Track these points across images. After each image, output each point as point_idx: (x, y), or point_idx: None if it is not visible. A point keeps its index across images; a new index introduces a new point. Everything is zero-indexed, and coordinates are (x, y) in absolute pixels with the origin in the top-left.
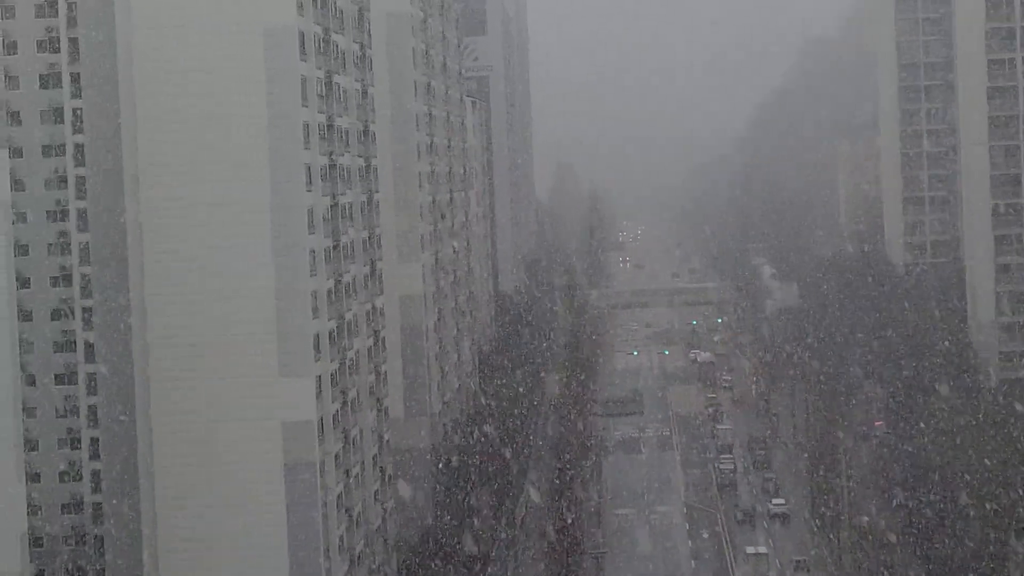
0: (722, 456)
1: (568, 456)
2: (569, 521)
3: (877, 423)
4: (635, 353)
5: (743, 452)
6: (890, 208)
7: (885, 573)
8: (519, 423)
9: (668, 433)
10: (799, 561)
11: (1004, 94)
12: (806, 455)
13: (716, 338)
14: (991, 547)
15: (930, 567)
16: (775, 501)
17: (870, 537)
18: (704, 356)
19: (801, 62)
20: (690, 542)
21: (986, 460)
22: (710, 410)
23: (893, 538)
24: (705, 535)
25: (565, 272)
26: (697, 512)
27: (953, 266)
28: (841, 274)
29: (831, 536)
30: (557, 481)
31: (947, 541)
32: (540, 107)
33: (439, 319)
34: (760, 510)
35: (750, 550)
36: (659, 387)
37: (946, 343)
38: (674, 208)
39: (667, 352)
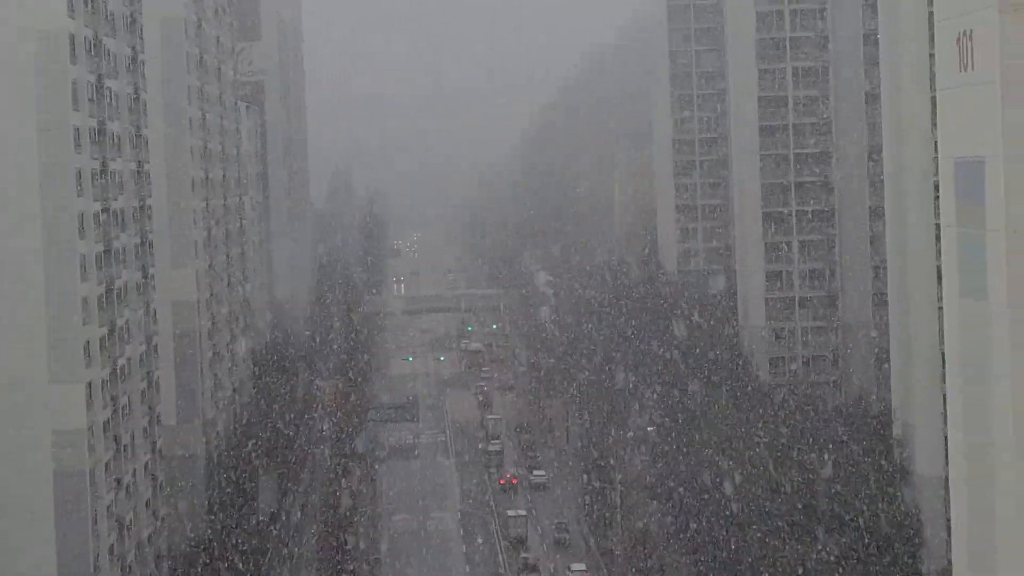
0: (492, 440)
1: (343, 462)
2: (344, 527)
3: (649, 427)
4: (410, 359)
5: (511, 436)
6: (663, 216)
7: (624, 524)
8: (294, 430)
9: (444, 439)
10: (559, 523)
11: (774, 104)
12: (571, 440)
13: (489, 343)
14: (724, 523)
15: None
16: (536, 472)
17: (622, 506)
18: (474, 345)
19: (580, 72)
20: (462, 530)
21: (748, 456)
22: (480, 398)
23: (644, 508)
24: (478, 530)
25: (342, 278)
26: (471, 517)
27: (726, 273)
28: (615, 280)
29: (584, 501)
30: (332, 488)
31: (688, 510)
32: (318, 113)
33: (213, 325)
34: (520, 478)
35: (511, 513)
36: (435, 393)
37: (718, 348)
38: (452, 214)
39: (443, 359)
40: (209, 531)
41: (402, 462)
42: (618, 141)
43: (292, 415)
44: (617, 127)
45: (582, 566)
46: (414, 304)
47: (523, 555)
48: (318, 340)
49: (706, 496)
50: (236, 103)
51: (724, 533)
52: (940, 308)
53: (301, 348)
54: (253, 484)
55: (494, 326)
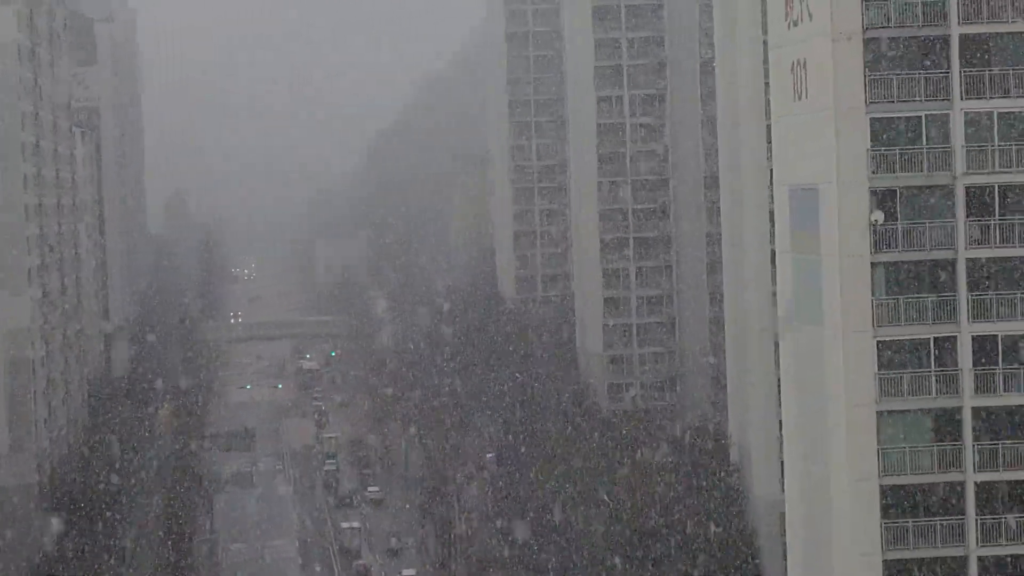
0: (327, 460)
1: (180, 492)
2: (180, 558)
3: (488, 453)
4: (248, 387)
5: (348, 455)
6: (502, 242)
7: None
8: (130, 458)
9: (281, 467)
10: (392, 534)
11: (613, 131)
12: (408, 461)
13: (327, 365)
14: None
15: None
16: (370, 489)
17: (454, 522)
18: (310, 364)
19: (418, 97)
20: (300, 558)
21: (582, 479)
22: (316, 416)
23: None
24: (315, 552)
25: (180, 305)
26: (309, 540)
27: (564, 299)
28: (454, 307)
29: (418, 517)
30: (168, 517)
31: (523, 530)
32: (155, 138)
33: (47, 354)
34: (358, 497)
35: (345, 525)
36: (272, 421)
37: (557, 375)
38: (292, 240)
39: (280, 386)
40: (40, 562)
41: (240, 490)
42: (457, 167)
43: (128, 444)
44: (456, 153)
45: (412, 571)
46: (252, 331)
47: (356, 562)
48: (154, 368)
49: (540, 516)
50: (71, 128)
51: (554, 551)
52: (776, 333)
53: (137, 376)
54: (86, 514)
55: (332, 352)
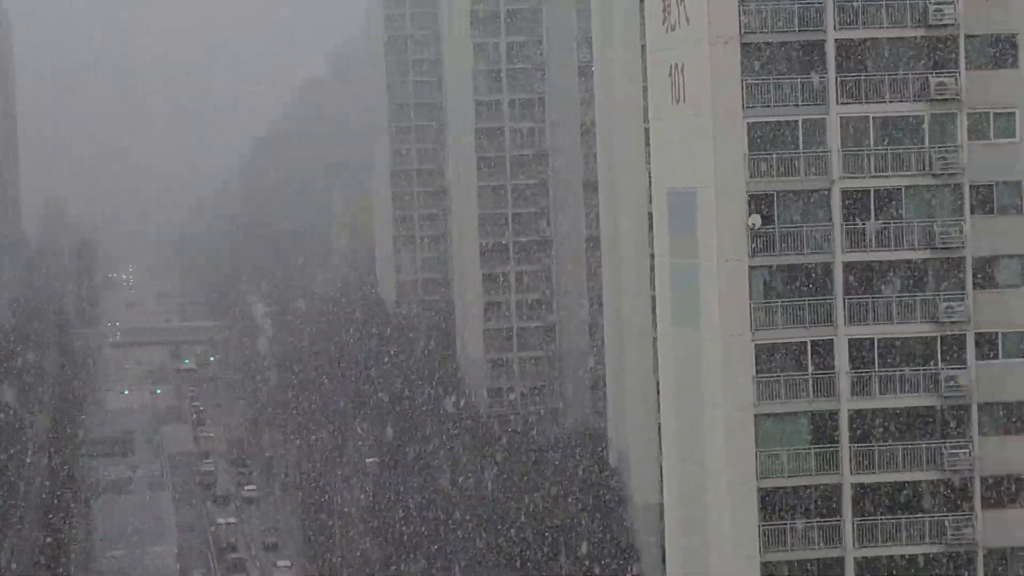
0: (205, 461)
1: (57, 499)
2: (58, 565)
3: (369, 459)
4: (126, 392)
5: (225, 456)
6: (382, 247)
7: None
8: (4, 466)
9: (160, 471)
10: (268, 529)
11: (491, 135)
12: (288, 463)
13: (208, 372)
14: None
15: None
16: (247, 488)
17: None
18: (188, 368)
19: (300, 101)
20: (178, 564)
21: (462, 483)
22: (195, 419)
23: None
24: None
25: (55, 312)
26: (187, 539)
27: (444, 304)
28: (334, 312)
29: (294, 514)
30: (45, 525)
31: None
32: (29, 143)
33: None
34: (234, 494)
35: (221, 521)
36: (151, 425)
37: (437, 380)
38: (171, 245)
39: (159, 391)
40: None
41: (118, 496)
42: (337, 172)
43: (2, 452)
44: (337, 157)
45: (287, 562)
46: (130, 337)
47: (231, 556)
48: (31, 375)
49: (416, 518)
50: None
51: (427, 550)
52: (655, 337)
53: (12, 384)
54: None
55: (211, 358)
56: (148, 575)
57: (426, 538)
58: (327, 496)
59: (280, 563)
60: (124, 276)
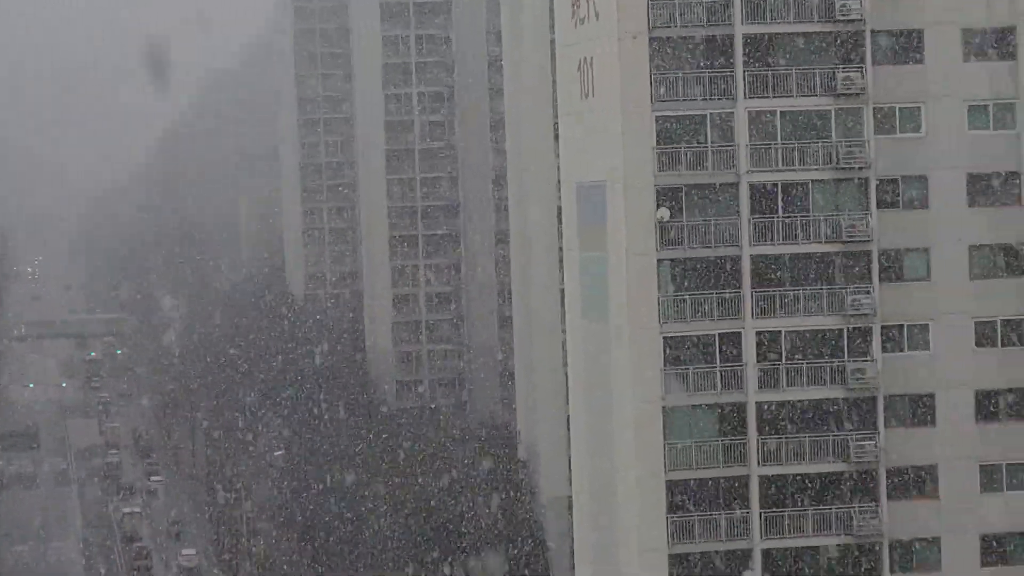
0: (110, 451)
1: None
2: None
3: (277, 451)
4: (31, 386)
5: (131, 446)
6: (290, 240)
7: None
8: None
9: (65, 464)
10: (173, 519)
11: (400, 128)
12: (195, 455)
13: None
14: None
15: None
16: (153, 478)
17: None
18: (93, 360)
19: (205, 93)
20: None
21: (369, 476)
22: (100, 410)
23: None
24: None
25: None
26: (93, 533)
27: (353, 297)
28: (241, 305)
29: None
30: None
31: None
32: None
33: None
34: (140, 486)
35: (126, 510)
36: (57, 418)
37: (346, 372)
38: (77, 238)
39: (64, 384)
40: None
41: (24, 491)
42: (244, 165)
43: None
44: (244, 150)
45: (192, 550)
46: (35, 330)
47: (136, 545)
48: None
49: (321, 508)
50: None
51: (332, 539)
52: (564, 331)
53: None
54: None
55: (118, 351)
56: (53, 569)
57: (330, 530)
58: (232, 487)
59: (184, 551)
60: (29, 269)
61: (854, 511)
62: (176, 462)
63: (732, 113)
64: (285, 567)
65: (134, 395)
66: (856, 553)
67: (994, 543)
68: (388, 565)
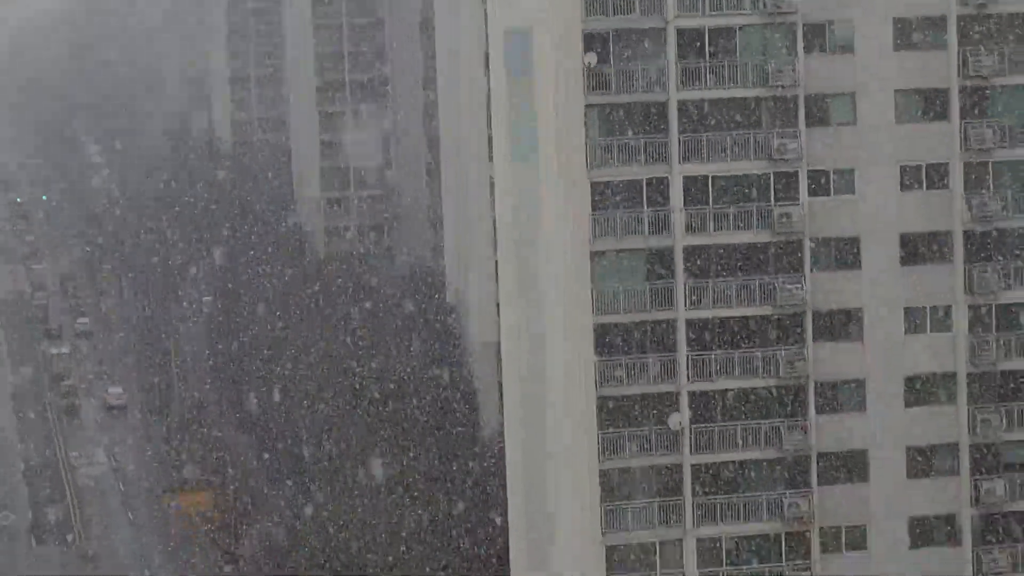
0: (36, 294)
1: None
2: None
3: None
4: None
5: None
6: (216, 86)
7: None
8: None
9: None
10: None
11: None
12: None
13: None
14: None
15: None
16: (80, 320)
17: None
18: (20, 201)
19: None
20: None
21: (291, 322)
22: (26, 251)
23: None
24: None
25: None
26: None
27: (281, 143)
28: (170, 150)
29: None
30: None
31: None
32: None
33: None
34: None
35: (53, 351)
36: None
37: (271, 218)
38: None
39: None
40: None
41: None
42: (168, 6)
43: None
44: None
45: (119, 389)
46: None
47: (64, 384)
48: None
49: (247, 353)
50: None
51: (257, 384)
52: (492, 176)
53: None
54: None
55: (44, 196)
56: None
57: (255, 374)
58: (160, 327)
59: (111, 390)
60: None
61: (780, 354)
62: (104, 306)
63: None
64: (214, 407)
65: (61, 240)
66: (783, 393)
67: (918, 384)
68: (317, 408)
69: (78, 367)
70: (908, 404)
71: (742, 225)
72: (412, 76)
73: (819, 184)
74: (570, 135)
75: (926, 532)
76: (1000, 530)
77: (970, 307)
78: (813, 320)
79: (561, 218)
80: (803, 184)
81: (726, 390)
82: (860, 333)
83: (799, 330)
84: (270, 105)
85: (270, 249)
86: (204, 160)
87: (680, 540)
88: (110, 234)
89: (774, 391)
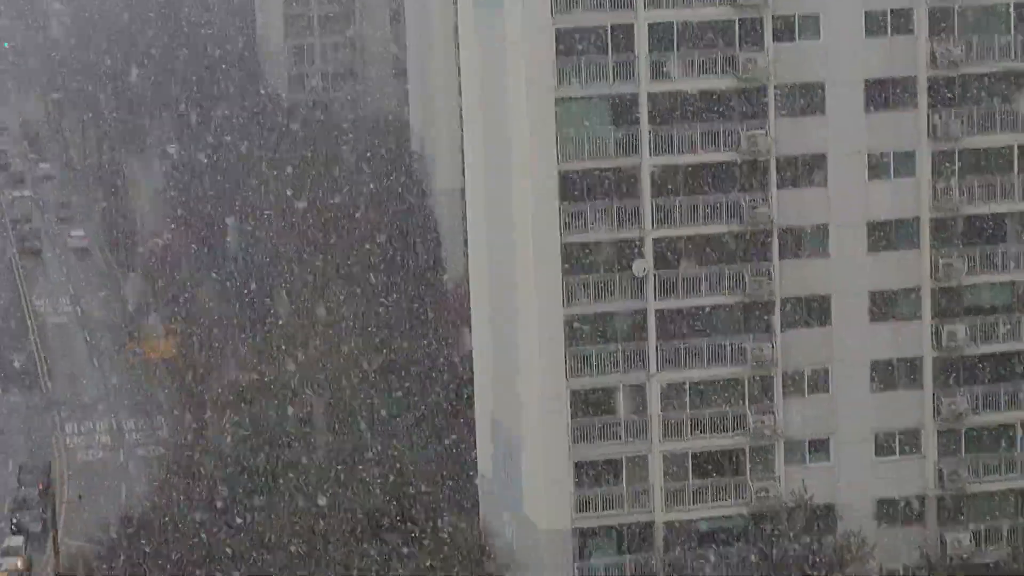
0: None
1: None
2: None
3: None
4: None
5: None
6: None
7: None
8: None
9: None
10: (63, 214)
11: None
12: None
13: None
14: None
15: None
16: (41, 165)
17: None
18: None
19: None
20: None
21: (257, 170)
22: None
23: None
24: None
25: None
26: None
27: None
28: (131, 22)
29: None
30: None
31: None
32: None
33: None
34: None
35: (15, 194)
36: None
37: (233, 66)
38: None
39: None
40: None
41: None
42: None
43: None
44: None
45: (81, 231)
46: None
47: (26, 226)
48: None
49: (214, 203)
50: None
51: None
52: (456, 23)
53: None
54: None
55: (5, 44)
56: None
57: (220, 213)
58: (120, 176)
59: (73, 232)
60: None
61: (744, 200)
62: (66, 152)
63: None
64: (178, 252)
65: (23, 87)
66: (746, 239)
67: (879, 231)
68: (280, 251)
69: (40, 209)
70: (871, 249)
71: (708, 70)
72: None
73: (786, 26)
74: None
75: (888, 376)
76: (960, 373)
77: (932, 153)
78: (777, 168)
79: (525, 62)
80: (768, 32)
81: (690, 236)
82: (824, 179)
83: (764, 177)
84: None
85: (235, 96)
86: (167, 8)
87: (644, 385)
88: (69, 84)
89: (741, 236)
